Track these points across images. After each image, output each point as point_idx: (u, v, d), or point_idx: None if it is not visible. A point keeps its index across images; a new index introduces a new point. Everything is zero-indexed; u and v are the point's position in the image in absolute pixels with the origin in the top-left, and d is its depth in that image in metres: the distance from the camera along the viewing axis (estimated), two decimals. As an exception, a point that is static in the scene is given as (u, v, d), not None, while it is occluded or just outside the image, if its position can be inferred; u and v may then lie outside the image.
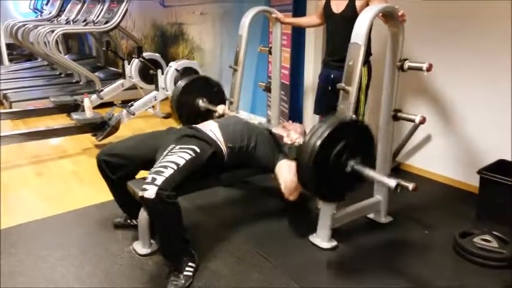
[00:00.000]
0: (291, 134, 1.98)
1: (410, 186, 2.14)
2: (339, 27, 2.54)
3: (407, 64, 2.05)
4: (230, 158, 2.15)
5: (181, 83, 2.73)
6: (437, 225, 2.38)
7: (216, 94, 2.82)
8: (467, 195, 2.74)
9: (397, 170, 3.12)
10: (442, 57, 2.78)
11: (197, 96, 2.75)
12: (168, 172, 1.79)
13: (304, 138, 1.66)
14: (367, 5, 2.34)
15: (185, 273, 1.85)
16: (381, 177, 1.64)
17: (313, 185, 1.67)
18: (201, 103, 2.75)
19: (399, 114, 2.16)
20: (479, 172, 2.44)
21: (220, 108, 2.66)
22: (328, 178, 1.64)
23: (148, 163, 1.95)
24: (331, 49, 2.69)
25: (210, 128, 2.18)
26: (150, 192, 1.71)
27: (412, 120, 2.07)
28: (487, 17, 2.57)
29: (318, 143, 1.56)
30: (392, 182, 1.57)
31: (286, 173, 2.01)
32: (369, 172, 1.63)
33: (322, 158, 1.59)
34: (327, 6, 2.61)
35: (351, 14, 2.40)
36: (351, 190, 1.78)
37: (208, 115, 2.72)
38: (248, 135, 2.18)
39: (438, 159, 3.02)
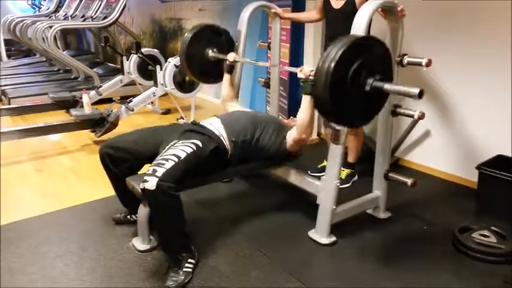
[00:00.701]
0: (304, 69, 1.97)
1: (409, 181, 2.18)
2: (338, 22, 2.53)
3: (406, 59, 2.05)
4: (234, 153, 2.15)
5: (188, 35, 2.70)
6: (436, 221, 2.39)
7: (225, 42, 2.80)
8: (466, 191, 2.74)
9: (396, 166, 3.12)
10: (441, 52, 2.77)
11: (206, 47, 2.74)
12: (169, 164, 1.79)
13: (318, 64, 1.60)
14: (366, 0, 2.33)
15: (185, 269, 1.85)
16: (404, 88, 1.59)
17: (334, 111, 1.61)
18: (211, 53, 2.73)
19: (398, 109, 2.15)
20: (477, 167, 2.44)
21: (231, 56, 2.64)
22: (348, 101, 1.58)
23: (151, 158, 1.94)
24: (330, 44, 2.68)
25: (213, 124, 2.19)
26: (151, 183, 1.71)
27: (411, 116, 2.07)
28: (486, 12, 2.56)
29: (332, 65, 1.50)
30: (415, 90, 1.54)
31: (298, 113, 2.07)
32: (389, 87, 1.58)
33: (339, 80, 1.52)
34: (326, 1, 2.61)
35: (350, 9, 2.39)
36: (374, 112, 1.73)
37: (219, 65, 2.73)
38: (252, 128, 2.19)
39: (437, 154, 3.02)
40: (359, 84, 1.57)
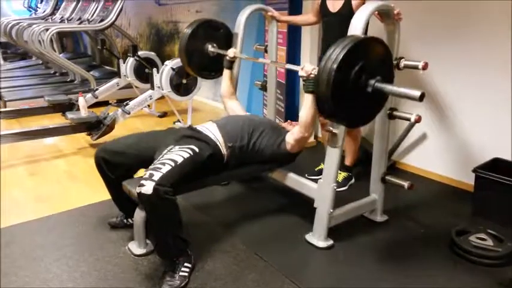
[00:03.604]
0: (306, 66, 1.96)
1: (406, 184, 2.17)
2: (335, 25, 2.54)
3: (403, 62, 2.05)
4: (231, 158, 2.15)
5: (187, 30, 2.70)
6: (433, 224, 2.39)
7: (224, 37, 2.79)
8: (463, 194, 2.75)
9: (392, 169, 3.12)
10: (437, 55, 2.78)
11: (205, 42, 2.72)
12: (165, 168, 1.78)
13: (320, 64, 1.60)
14: (363, 3, 2.34)
15: (181, 273, 1.84)
16: (405, 90, 1.59)
17: (335, 111, 1.61)
18: (211, 48, 2.71)
19: (395, 112, 2.16)
20: (474, 171, 2.44)
21: (231, 52, 2.63)
22: (349, 102, 1.58)
23: (147, 162, 1.92)
24: (327, 47, 2.67)
25: (209, 129, 2.18)
26: (148, 187, 1.70)
27: (408, 119, 2.06)
28: (483, 14, 2.57)
29: (335, 66, 1.50)
30: (416, 93, 1.54)
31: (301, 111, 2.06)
32: (390, 88, 1.57)
33: (341, 81, 1.53)
34: (323, 4, 2.61)
35: (347, 13, 2.39)
36: (374, 113, 1.74)
37: (219, 60, 2.71)
38: (249, 132, 2.19)
39: (433, 157, 3.02)
40: (360, 85, 1.57)
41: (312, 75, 1.90)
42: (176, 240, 1.88)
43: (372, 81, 1.58)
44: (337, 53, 1.52)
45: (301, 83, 2.02)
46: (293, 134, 2.17)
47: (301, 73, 1.98)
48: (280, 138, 2.22)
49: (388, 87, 1.57)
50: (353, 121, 1.76)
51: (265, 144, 2.19)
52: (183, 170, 1.84)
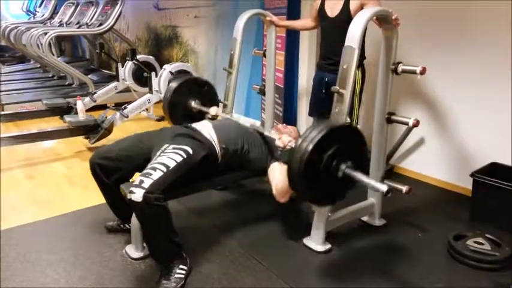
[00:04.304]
0: (283, 138, 1.97)
1: (404, 189, 2.16)
2: (333, 30, 2.55)
3: (401, 67, 2.06)
4: (224, 160, 2.13)
5: (172, 85, 2.69)
6: (431, 228, 2.39)
7: (208, 94, 2.78)
8: (460, 198, 2.75)
9: (390, 173, 3.12)
10: (436, 60, 2.79)
11: (189, 98, 2.71)
12: (156, 175, 1.76)
13: (296, 143, 1.65)
14: (362, 8, 2.35)
15: (176, 276, 1.83)
16: (372, 182, 1.62)
17: (304, 190, 1.66)
18: (194, 104, 2.73)
19: (393, 117, 2.16)
20: (472, 175, 2.45)
21: (213, 110, 2.62)
22: (319, 183, 1.63)
23: (144, 164, 1.91)
24: (325, 52, 2.70)
25: (205, 127, 2.17)
26: (137, 195, 1.69)
27: (406, 123, 2.07)
28: (482, 18, 2.59)
29: (310, 147, 1.55)
30: (383, 187, 1.56)
31: (277, 176, 2.00)
32: (360, 177, 1.62)
33: (313, 163, 1.57)
34: (322, 9, 2.63)
35: (345, 18, 2.41)
36: (342, 195, 1.77)
37: (201, 116, 2.68)
38: (241, 139, 2.17)
39: (431, 162, 3.03)
40: (332, 169, 1.62)
41: (287, 147, 1.91)
42: (169, 244, 1.87)
43: (343, 167, 1.62)
44: (313, 135, 1.57)
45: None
46: (272, 181, 2.03)
47: (277, 142, 1.98)
48: (268, 154, 2.14)
49: (357, 176, 1.62)
50: (322, 200, 1.79)
51: (255, 156, 2.15)
52: (174, 175, 1.82)
